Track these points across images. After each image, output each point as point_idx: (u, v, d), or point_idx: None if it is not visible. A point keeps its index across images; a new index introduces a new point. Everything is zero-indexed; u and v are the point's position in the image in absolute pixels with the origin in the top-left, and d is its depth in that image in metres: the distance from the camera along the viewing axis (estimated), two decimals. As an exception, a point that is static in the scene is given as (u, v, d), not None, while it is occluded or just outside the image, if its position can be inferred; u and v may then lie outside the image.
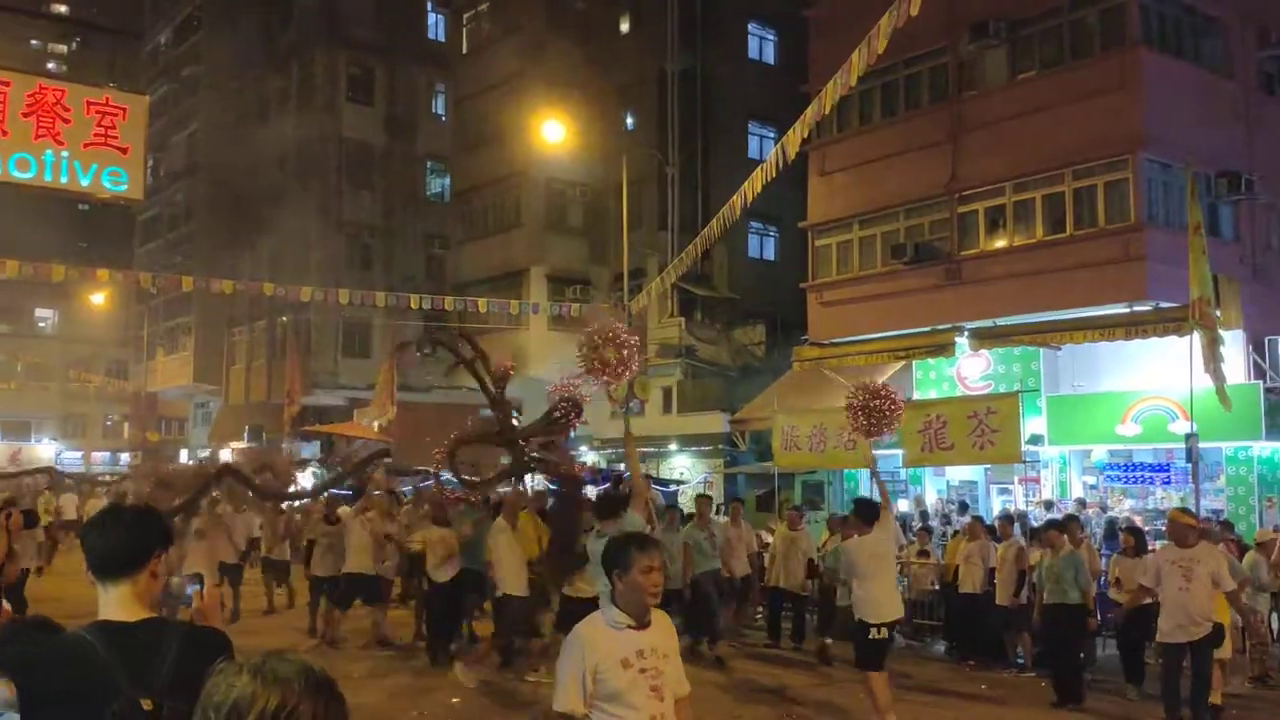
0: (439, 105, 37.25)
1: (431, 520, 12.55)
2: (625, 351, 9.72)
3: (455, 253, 32.65)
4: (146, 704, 2.46)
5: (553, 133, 23.58)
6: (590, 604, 11.16)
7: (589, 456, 27.02)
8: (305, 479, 26.93)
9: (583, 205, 29.58)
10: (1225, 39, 19.16)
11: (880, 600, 9.20)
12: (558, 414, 10.76)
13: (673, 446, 25.82)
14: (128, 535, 2.73)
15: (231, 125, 39.03)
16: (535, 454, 11.18)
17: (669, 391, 26.48)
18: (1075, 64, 18.44)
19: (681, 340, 26.52)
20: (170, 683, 2.48)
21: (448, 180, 35.66)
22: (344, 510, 14.87)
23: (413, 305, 22.16)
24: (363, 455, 12.91)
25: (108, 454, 49.81)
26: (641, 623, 3.86)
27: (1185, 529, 8.99)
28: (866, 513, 9.65)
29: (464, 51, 33.17)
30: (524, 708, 10.03)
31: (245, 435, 37.28)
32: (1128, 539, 11.89)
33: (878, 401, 10.35)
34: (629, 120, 28.68)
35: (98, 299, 46.23)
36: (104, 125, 17.05)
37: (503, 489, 12.56)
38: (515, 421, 11.47)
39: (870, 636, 9.10)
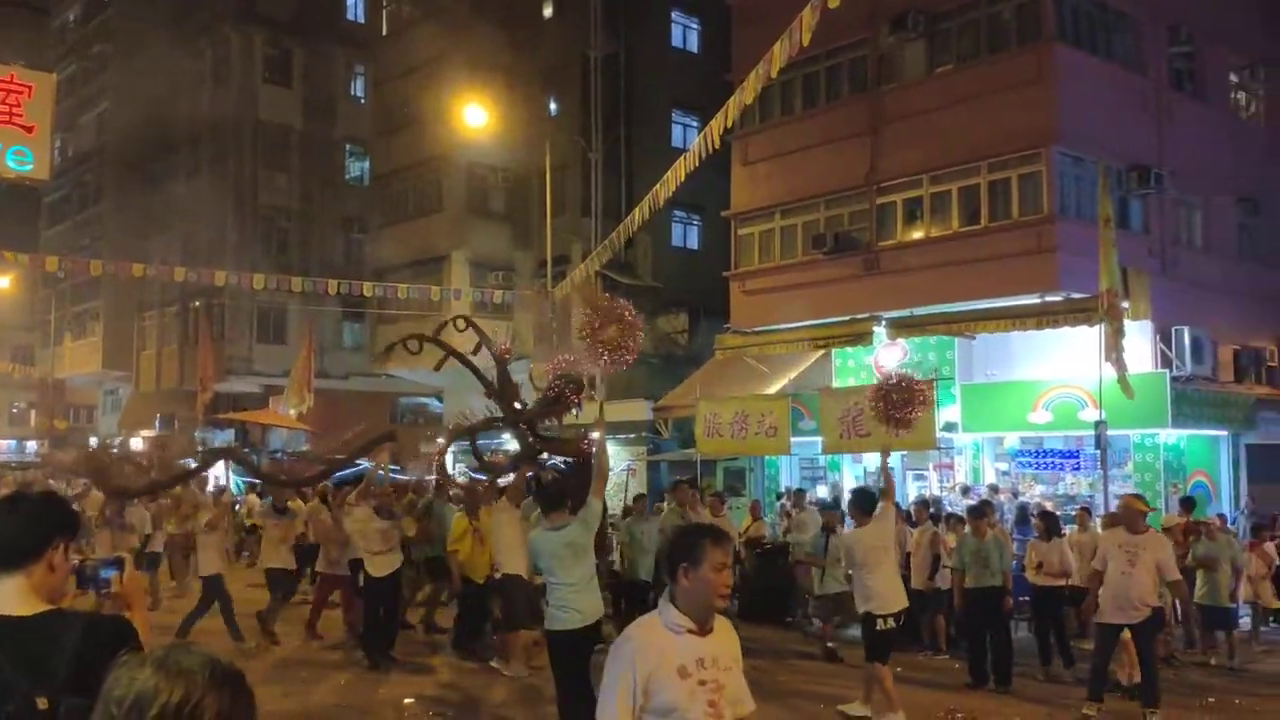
0: (358, 88, 36.64)
1: (376, 511, 12.02)
2: (627, 330, 9.42)
3: (375, 237, 32.18)
4: (42, 703, 2.35)
5: (474, 117, 23.33)
6: (517, 581, 11.05)
7: (513, 445, 26.86)
8: (219, 467, 26.41)
9: (505, 190, 29.34)
10: (1137, 35, 19.66)
11: (883, 592, 9.07)
12: (552, 393, 10.44)
13: (596, 434, 25.76)
14: (25, 524, 2.62)
15: (143, 105, 37.92)
16: (542, 435, 10.87)
17: (593, 379, 26.40)
18: (991, 58, 18.78)
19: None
20: (68, 678, 2.37)
21: (367, 164, 35.11)
22: (296, 503, 14.40)
23: (330, 290, 21.82)
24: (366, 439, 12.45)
25: (13, 442, 48.24)
26: (704, 628, 3.36)
27: (1137, 515, 9.21)
28: (864, 503, 9.44)
29: (384, 33, 32.65)
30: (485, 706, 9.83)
31: (157, 423, 36.40)
32: (1040, 523, 12.21)
33: (900, 391, 10.37)
34: (552, 105, 28.51)
35: (2, 283, 44.59)
36: (8, 103, 16.48)
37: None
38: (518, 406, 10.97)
39: (878, 628, 9.02)
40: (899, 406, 10.49)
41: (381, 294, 22.89)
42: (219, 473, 21.11)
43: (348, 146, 36.19)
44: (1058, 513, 15.27)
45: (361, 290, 23.07)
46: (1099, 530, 12.31)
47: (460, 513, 12.46)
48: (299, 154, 35.21)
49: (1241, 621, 13.11)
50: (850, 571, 9.57)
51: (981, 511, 11.58)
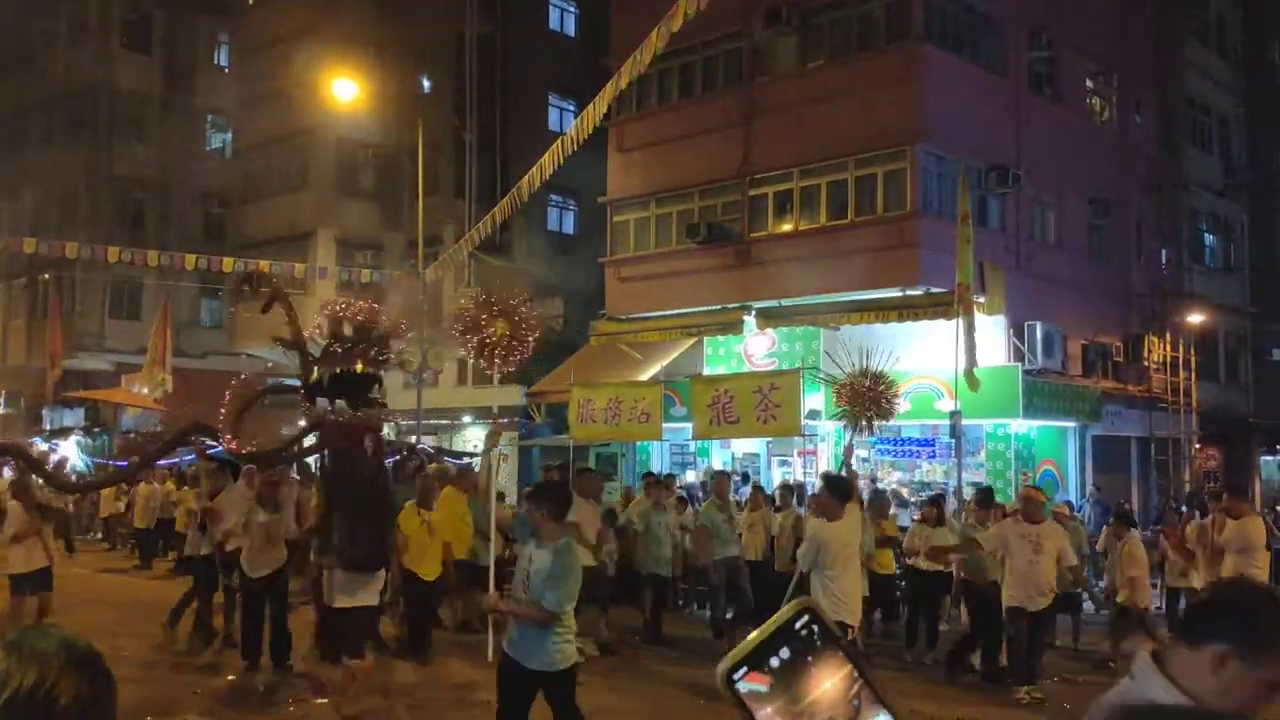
0: (222, 56, 35.27)
1: (258, 501, 10.63)
2: (521, 325, 8.14)
3: (237, 212, 31.11)
4: None
5: (344, 91, 22.72)
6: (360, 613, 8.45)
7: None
8: (69, 448, 25.22)
9: (375, 168, 28.71)
10: (1001, 39, 20.35)
11: (852, 595, 8.10)
12: (336, 349, 8.39)
13: (466, 418, 25.55)
14: None
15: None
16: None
17: (464, 363, 26.15)
18: (861, 55, 19.19)
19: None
20: None
21: (229, 136, 33.87)
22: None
23: (188, 265, 21.02)
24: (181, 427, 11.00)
25: None
26: None
27: (1038, 505, 9.79)
28: (842, 490, 8.11)
29: (250, 1, 31.51)
30: None
31: (2, 401, 34.54)
32: (930, 510, 12.39)
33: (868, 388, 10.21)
34: (425, 83, 28.00)
35: None
36: None
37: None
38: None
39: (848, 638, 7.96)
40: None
41: (243, 270, 22.11)
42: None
43: (209, 117, 34.78)
44: (913, 499, 15.83)
45: (221, 265, 22.29)
46: (951, 519, 12.76)
47: (410, 502, 10.91)
48: (158, 123, 33.71)
49: (1085, 606, 13.71)
50: (806, 569, 8.14)
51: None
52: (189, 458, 16.65)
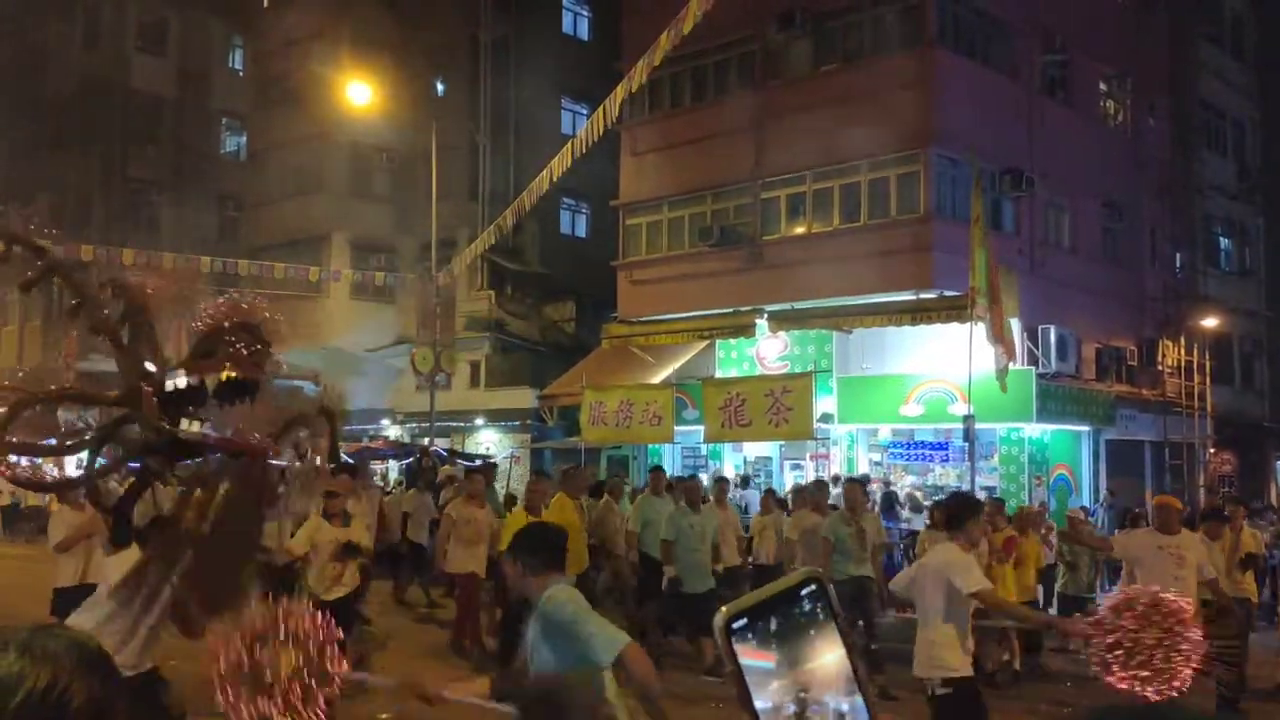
0: (237, 59, 35.43)
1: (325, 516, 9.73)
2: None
3: (251, 215, 31.23)
4: None
5: (358, 94, 22.82)
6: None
7: (392, 431, 26.50)
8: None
9: (389, 171, 28.79)
10: (1013, 43, 20.30)
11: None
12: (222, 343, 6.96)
13: (479, 421, 25.60)
14: None
15: (7, 68, 36.00)
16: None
17: (477, 365, 26.20)
18: (874, 59, 19.17)
19: (491, 314, 26.28)
20: None
21: (244, 139, 34.01)
22: None
23: (203, 268, 21.10)
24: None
25: None
26: None
27: (1175, 513, 8.81)
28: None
29: (265, 4, 31.64)
30: None
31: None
32: (939, 515, 12.22)
33: None
34: (439, 86, 28.07)
35: None
36: None
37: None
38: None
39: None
40: None
41: (257, 273, 22.20)
42: None
43: (224, 120, 34.96)
44: (927, 503, 15.79)
45: (236, 268, 22.38)
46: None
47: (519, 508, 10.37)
48: (172, 126, 33.88)
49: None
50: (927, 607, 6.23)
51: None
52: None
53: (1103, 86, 23.13)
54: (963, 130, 18.33)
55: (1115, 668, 5.67)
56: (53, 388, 6.37)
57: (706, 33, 16.33)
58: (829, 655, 1.13)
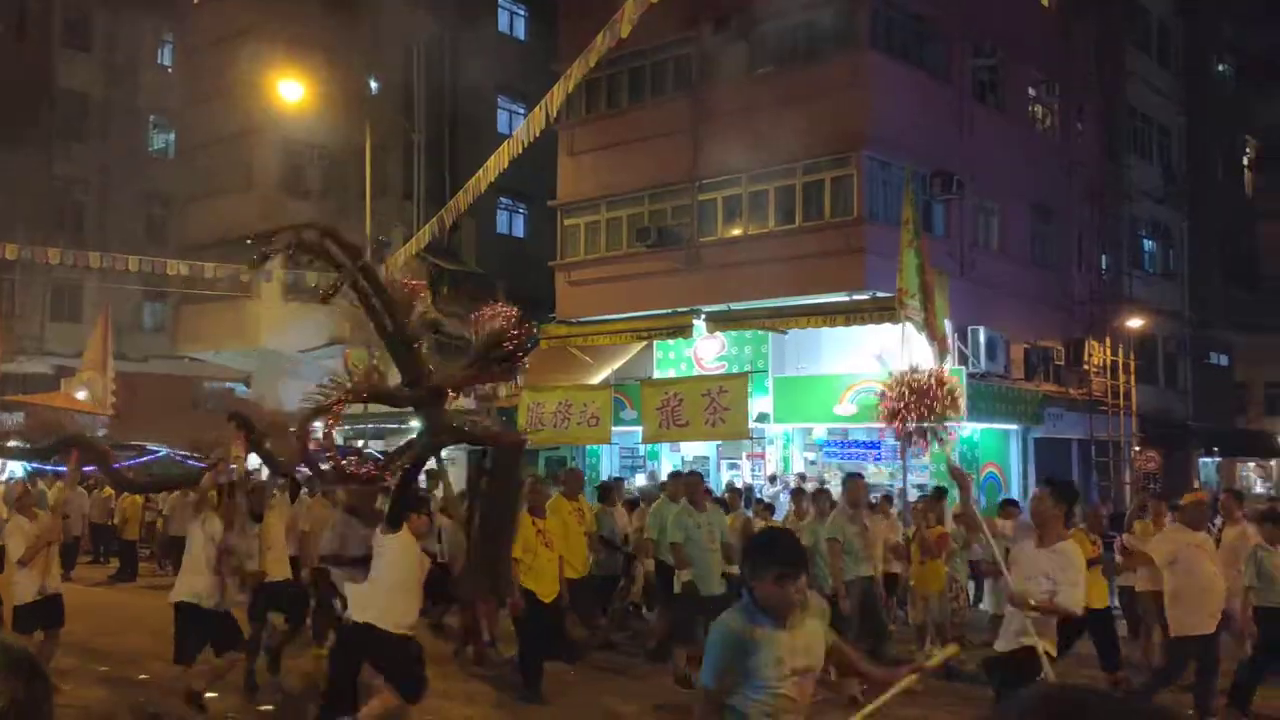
0: (165, 56, 34.74)
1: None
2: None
3: (181, 213, 30.62)
4: None
5: (290, 91, 22.47)
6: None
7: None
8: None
9: (322, 170, 28.39)
10: (945, 47, 20.62)
11: None
12: (510, 345, 7.84)
13: (415, 423, 25.32)
14: None
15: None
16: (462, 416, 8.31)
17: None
18: (808, 63, 19.34)
19: (427, 314, 25.98)
20: None
21: (172, 136, 33.36)
22: None
23: (131, 267, 20.68)
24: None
25: None
26: None
27: (1204, 508, 8.96)
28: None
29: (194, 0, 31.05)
30: None
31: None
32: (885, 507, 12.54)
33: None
34: (373, 84, 27.77)
35: None
36: None
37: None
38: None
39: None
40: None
41: (187, 272, 21.79)
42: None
43: (152, 117, 34.25)
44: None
45: (165, 268, 21.95)
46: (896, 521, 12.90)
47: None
48: (99, 123, 33.11)
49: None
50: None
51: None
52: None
53: (1032, 92, 23.56)
54: (895, 134, 18.57)
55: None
56: (362, 387, 7.34)
57: (643, 35, 16.35)
58: None
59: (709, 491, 11.83)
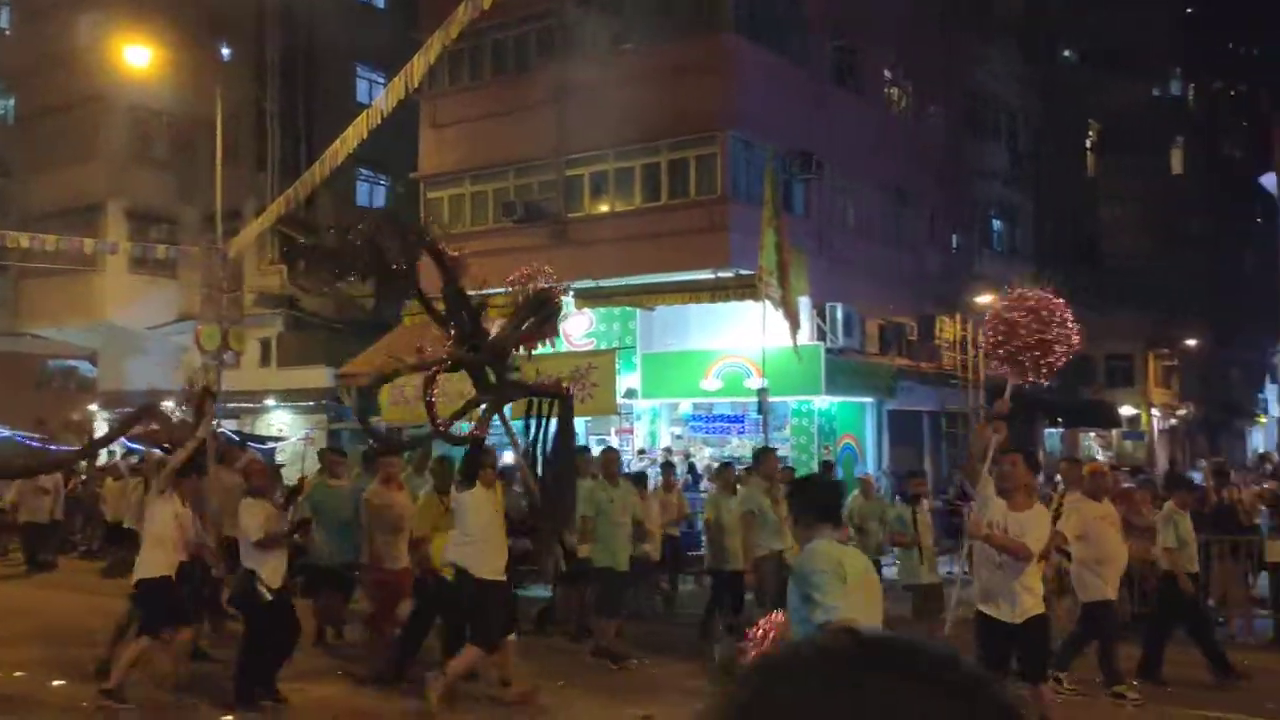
0: (2, 19, 32.62)
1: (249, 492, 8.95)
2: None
3: (21, 182, 28.90)
4: None
5: (136, 56, 21.38)
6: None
7: (179, 413, 25.15)
8: None
9: (170, 138, 27.19)
10: (805, 30, 20.98)
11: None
12: (546, 313, 9.30)
13: (270, 402, 24.64)
14: None
15: None
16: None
17: (268, 343, 25.19)
18: (671, 42, 19.42)
19: (283, 289, 25.28)
20: None
21: (11, 102, 31.40)
22: None
23: (-36, 240, 19.43)
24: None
25: None
26: None
27: (1105, 479, 9.32)
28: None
29: (32, -44, 29.24)
30: None
31: None
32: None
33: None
34: (224, 51, 26.65)
35: None
36: None
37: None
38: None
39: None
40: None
41: (28, 245, 20.57)
42: None
43: (-12, 81, 32.16)
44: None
45: (4, 240, 20.69)
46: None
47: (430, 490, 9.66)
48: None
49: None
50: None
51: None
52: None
53: (887, 75, 24.22)
54: (757, 114, 18.84)
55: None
56: (440, 355, 9.16)
57: (507, 7, 16.15)
58: None
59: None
